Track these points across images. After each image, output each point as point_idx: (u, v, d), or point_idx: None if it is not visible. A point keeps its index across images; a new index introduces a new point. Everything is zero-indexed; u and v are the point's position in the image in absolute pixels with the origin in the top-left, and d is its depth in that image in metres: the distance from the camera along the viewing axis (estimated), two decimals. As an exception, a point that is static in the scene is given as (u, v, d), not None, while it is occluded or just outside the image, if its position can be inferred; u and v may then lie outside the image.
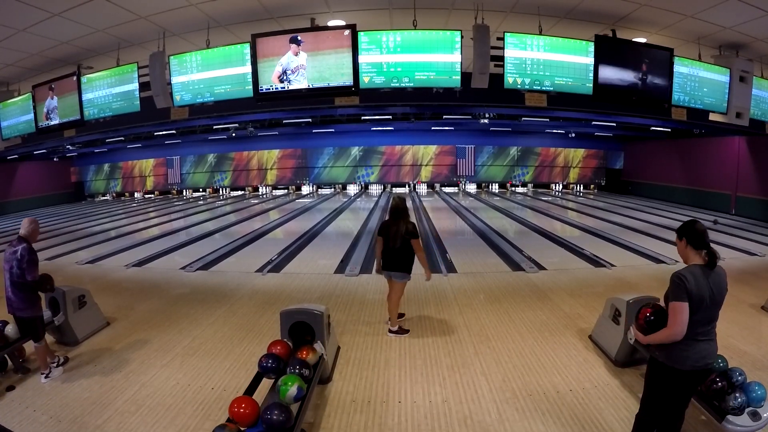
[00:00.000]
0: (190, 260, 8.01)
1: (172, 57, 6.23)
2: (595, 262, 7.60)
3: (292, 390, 2.75)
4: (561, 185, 21.53)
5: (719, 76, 6.92)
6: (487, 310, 5.34)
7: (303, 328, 3.67)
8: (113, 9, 5.53)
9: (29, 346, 4.02)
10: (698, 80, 6.71)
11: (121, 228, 12.49)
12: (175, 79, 6.26)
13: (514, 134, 20.01)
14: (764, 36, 6.53)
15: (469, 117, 13.27)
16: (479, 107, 9.46)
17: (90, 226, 13.20)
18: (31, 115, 7.67)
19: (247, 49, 5.88)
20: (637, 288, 5.98)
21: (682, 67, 6.51)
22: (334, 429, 3.14)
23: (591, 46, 5.98)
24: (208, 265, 7.80)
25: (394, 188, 21.13)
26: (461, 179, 21.26)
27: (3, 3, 5.15)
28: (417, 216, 12.86)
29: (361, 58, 5.69)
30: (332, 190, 21.34)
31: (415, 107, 9.69)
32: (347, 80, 5.72)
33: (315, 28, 5.96)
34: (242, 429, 2.48)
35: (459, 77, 5.77)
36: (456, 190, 20.93)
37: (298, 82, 5.79)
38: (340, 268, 7.34)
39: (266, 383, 3.17)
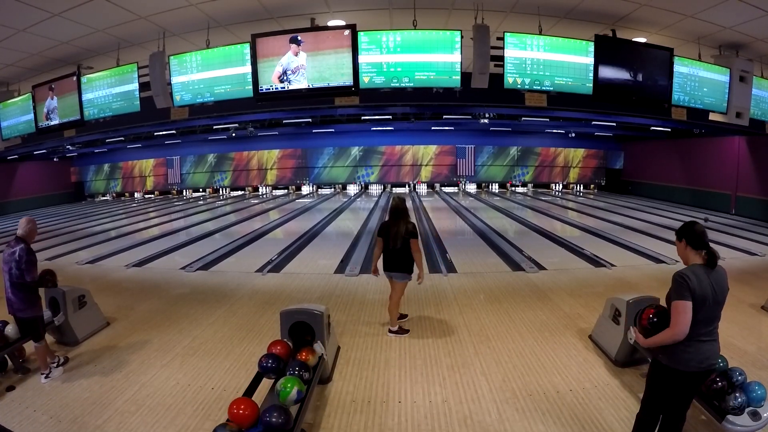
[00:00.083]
0: (190, 260, 8.01)
1: (172, 57, 6.23)
2: (595, 262, 7.60)
3: (292, 394, 2.75)
4: (561, 185, 21.53)
5: (719, 76, 6.92)
6: (487, 310, 5.34)
7: (303, 328, 3.67)
8: (113, 9, 5.53)
9: (29, 346, 4.01)
10: (698, 80, 6.71)
11: (121, 228, 12.49)
12: (175, 79, 6.26)
13: (514, 134, 20.01)
14: (764, 36, 6.53)
15: (469, 117, 13.27)
16: (479, 107, 9.46)
17: (90, 226, 13.20)
18: (31, 115, 7.67)
19: (247, 49, 5.88)
20: (637, 288, 5.98)
21: (682, 67, 6.51)
22: (334, 429, 3.14)
23: (591, 46, 5.98)
24: (208, 265, 7.80)
25: (394, 188, 21.13)
26: (461, 179, 21.26)
27: (3, 3, 5.15)
28: (417, 216, 12.86)
29: (361, 58, 5.69)
30: (332, 190, 21.34)
31: (415, 107, 9.69)
32: (347, 80, 5.72)
33: (315, 28, 5.96)
34: (243, 429, 2.48)
35: (459, 77, 5.77)
36: (456, 190, 20.93)
37: (298, 82, 5.79)
38: (340, 268, 7.35)
39: (266, 383, 3.17)
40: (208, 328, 4.96)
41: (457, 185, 21.37)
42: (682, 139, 15.29)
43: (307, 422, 3.15)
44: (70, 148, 16.76)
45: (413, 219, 5.54)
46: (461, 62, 5.73)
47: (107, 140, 15.24)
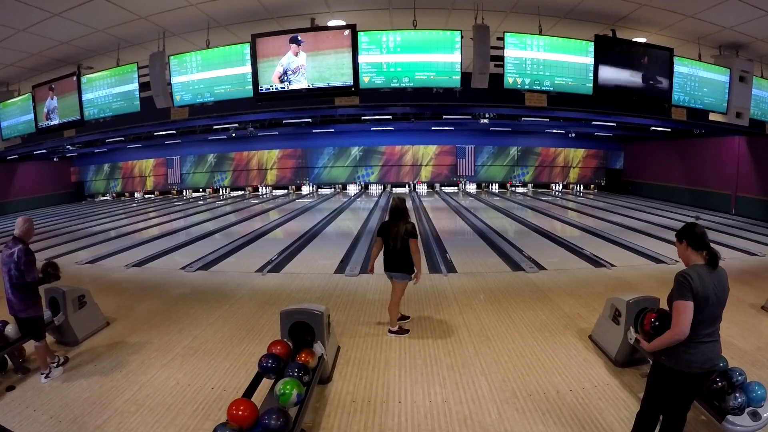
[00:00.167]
0: (190, 260, 8.01)
1: (172, 57, 6.23)
2: (595, 262, 7.60)
3: (293, 398, 2.75)
4: (561, 185, 21.52)
5: (719, 76, 6.92)
6: (487, 310, 5.34)
7: (303, 328, 3.67)
8: (113, 9, 5.53)
9: (29, 346, 4.01)
10: (698, 80, 6.71)
11: (121, 228, 12.49)
12: (175, 79, 6.26)
13: (514, 134, 20.01)
14: (764, 36, 6.53)
15: (469, 117, 13.27)
16: (479, 107, 9.46)
17: (90, 226, 13.19)
18: (31, 115, 7.67)
19: (247, 49, 5.88)
20: (637, 288, 5.98)
21: (682, 67, 6.51)
22: (334, 429, 3.14)
23: (591, 46, 5.98)
24: (208, 265, 7.80)
25: (394, 188, 21.13)
26: (461, 179, 21.26)
27: (3, 3, 5.15)
28: (417, 216, 12.86)
29: (361, 58, 5.69)
30: (332, 190, 21.34)
31: (415, 107, 9.69)
32: (347, 80, 5.72)
33: (315, 28, 5.96)
34: (243, 428, 2.48)
35: (459, 77, 5.77)
36: (456, 190, 20.93)
37: (299, 82, 5.79)
38: (340, 268, 7.35)
39: (266, 383, 3.17)
40: (208, 328, 4.96)
41: (457, 185, 21.36)
42: (682, 139, 15.29)
43: (307, 422, 3.15)
44: (70, 148, 16.76)
45: (413, 219, 5.55)
46: (461, 62, 5.73)
47: (107, 140, 15.24)
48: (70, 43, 6.60)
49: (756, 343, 4.35)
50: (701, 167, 15.11)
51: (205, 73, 6.13)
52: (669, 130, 13.46)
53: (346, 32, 5.62)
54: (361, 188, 21.32)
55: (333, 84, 5.77)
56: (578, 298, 5.72)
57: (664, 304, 2.77)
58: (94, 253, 8.94)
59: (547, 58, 5.93)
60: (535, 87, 5.97)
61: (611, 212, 13.79)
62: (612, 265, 7.32)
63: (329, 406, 3.40)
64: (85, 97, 6.93)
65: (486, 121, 12.66)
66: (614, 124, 13.54)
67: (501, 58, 5.81)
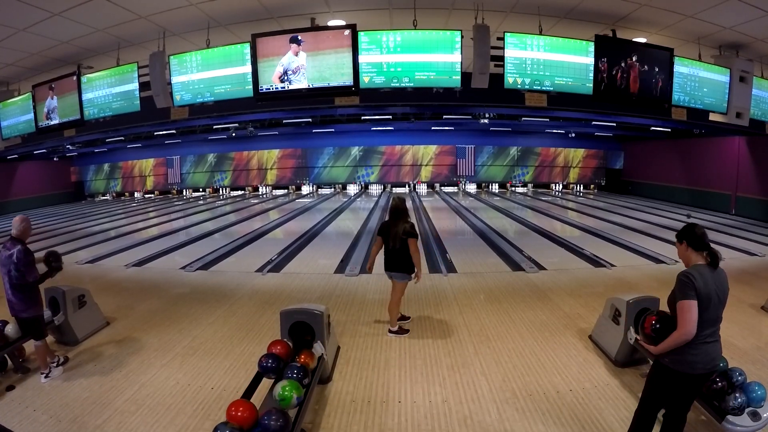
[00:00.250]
0: (190, 260, 8.01)
1: (172, 57, 6.22)
2: (595, 262, 7.60)
3: (293, 402, 2.74)
4: (561, 185, 21.53)
5: (719, 76, 6.92)
6: (487, 310, 5.34)
7: (303, 328, 3.67)
8: (113, 9, 5.52)
9: (29, 346, 4.01)
10: (698, 80, 6.71)
11: (121, 228, 12.49)
12: (175, 79, 6.26)
13: (514, 134, 20.01)
14: (764, 36, 6.53)
15: (469, 117, 13.27)
16: (479, 107, 9.46)
17: (90, 225, 13.19)
18: (31, 115, 7.67)
19: (247, 48, 5.87)
20: (637, 288, 5.98)
21: (682, 67, 6.51)
22: (334, 429, 3.14)
23: (591, 46, 5.98)
24: (208, 264, 7.80)
25: (394, 188, 21.13)
26: (461, 179, 21.26)
27: (3, 3, 5.15)
28: (417, 216, 12.86)
29: (361, 58, 5.69)
30: (332, 190, 21.34)
31: (415, 107, 9.69)
32: (347, 80, 5.72)
33: (315, 28, 5.96)
34: (244, 428, 2.48)
35: (459, 77, 5.76)
36: (456, 190, 20.93)
37: (299, 82, 5.79)
38: (340, 268, 7.35)
39: (266, 383, 3.16)
40: (207, 327, 4.96)
41: (457, 185, 21.37)
42: (682, 139, 15.29)
43: (307, 423, 3.15)
44: (70, 147, 16.75)
45: (413, 219, 5.54)
46: (461, 62, 5.73)
47: (107, 140, 15.23)
48: (70, 43, 6.60)
49: (756, 343, 4.35)
50: (701, 167, 15.11)
51: (205, 73, 6.13)
52: (669, 130, 13.46)
53: (347, 32, 5.62)
54: (361, 188, 21.32)
55: (333, 84, 5.77)
56: (578, 298, 5.72)
57: (664, 305, 2.77)
58: (94, 253, 8.94)
59: (547, 58, 5.93)
60: (535, 87, 5.97)
61: (611, 212, 13.79)
62: (612, 265, 7.32)
63: (329, 406, 3.40)
64: (85, 96, 6.93)
65: (486, 121, 12.66)
66: (614, 124, 13.54)
67: (501, 58, 5.81)
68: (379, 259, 4.73)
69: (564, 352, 4.25)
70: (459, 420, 3.20)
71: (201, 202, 19.26)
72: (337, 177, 21.28)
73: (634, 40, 6.50)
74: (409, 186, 21.15)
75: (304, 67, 5.72)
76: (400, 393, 3.57)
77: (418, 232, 4.58)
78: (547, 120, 13.17)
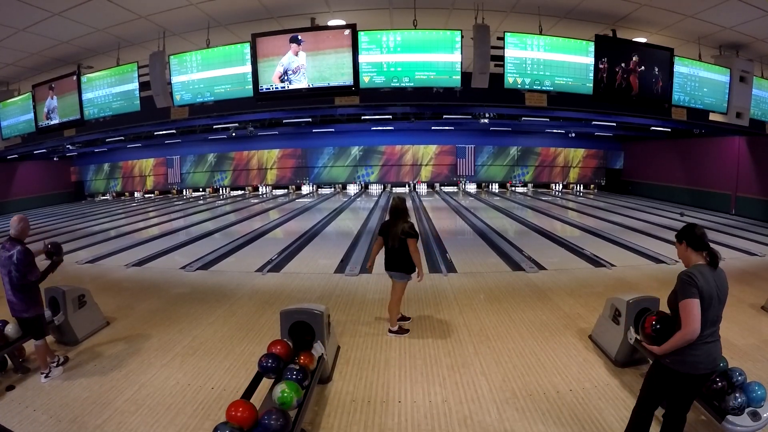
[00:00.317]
0: (190, 260, 8.01)
1: (172, 56, 6.23)
2: (595, 262, 7.60)
3: (293, 405, 2.74)
4: (561, 185, 21.53)
5: (719, 76, 6.92)
6: (487, 310, 5.34)
7: (303, 328, 3.66)
8: (113, 9, 5.53)
9: (29, 346, 4.01)
10: (698, 80, 6.71)
11: (121, 228, 12.49)
12: (175, 79, 6.26)
13: (514, 134, 20.01)
14: (764, 36, 6.53)
15: (469, 117, 13.27)
16: (479, 107, 9.46)
17: (90, 225, 13.19)
18: (31, 115, 7.67)
19: (247, 48, 5.87)
20: (637, 288, 5.98)
21: (682, 67, 6.51)
22: (334, 429, 3.14)
23: (591, 46, 5.98)
24: (208, 264, 7.80)
25: (394, 188, 21.13)
26: (461, 179, 21.26)
27: (3, 3, 5.15)
28: (417, 216, 12.86)
29: (361, 58, 5.69)
30: (332, 189, 21.34)
31: (415, 107, 9.68)
32: (347, 80, 5.72)
33: (315, 28, 5.96)
34: (244, 428, 2.48)
35: (459, 77, 5.77)
36: (456, 190, 20.93)
37: (299, 82, 5.79)
38: (340, 268, 7.35)
39: (266, 383, 3.16)
40: (207, 327, 4.96)
41: (457, 185, 21.37)
42: (682, 139, 15.29)
43: (307, 423, 3.15)
44: (70, 147, 16.75)
45: (413, 219, 5.54)
46: (461, 62, 5.73)
47: (107, 140, 15.22)
48: (70, 43, 6.60)
49: (756, 342, 4.35)
50: (701, 167, 15.11)
51: (205, 73, 6.13)
52: (669, 130, 13.46)
53: (347, 32, 5.62)
54: (361, 188, 21.32)
55: (333, 83, 5.77)
56: (578, 298, 5.72)
57: (664, 305, 2.77)
58: (94, 253, 8.94)
59: (548, 58, 5.93)
60: (535, 87, 5.97)
61: (611, 212, 13.79)
62: (612, 265, 7.32)
63: (329, 406, 3.40)
64: (85, 96, 6.93)
65: (486, 120, 12.66)
66: (614, 124, 13.54)
67: (501, 58, 5.81)
68: (380, 259, 4.73)
69: (564, 352, 4.25)
70: (459, 420, 3.20)
71: (201, 201, 19.26)
72: (337, 177, 21.28)
73: (635, 40, 6.50)
74: (409, 186, 21.15)
75: (304, 66, 5.72)
76: (400, 393, 3.57)
77: (418, 231, 4.58)
78: (547, 120, 13.16)
